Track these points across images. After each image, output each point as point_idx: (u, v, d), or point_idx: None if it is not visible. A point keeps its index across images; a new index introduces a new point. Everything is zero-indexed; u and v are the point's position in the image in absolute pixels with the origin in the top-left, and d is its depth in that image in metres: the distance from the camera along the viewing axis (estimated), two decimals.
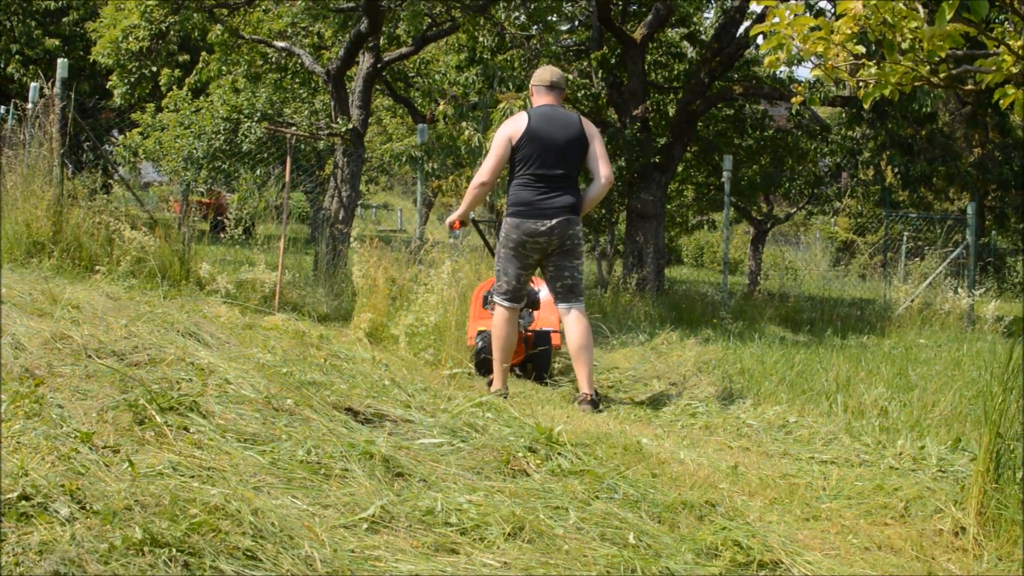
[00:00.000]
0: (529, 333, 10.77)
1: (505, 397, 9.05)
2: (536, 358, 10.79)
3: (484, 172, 9.67)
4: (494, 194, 15.14)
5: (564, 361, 11.15)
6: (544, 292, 10.65)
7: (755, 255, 29.63)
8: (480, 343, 10.61)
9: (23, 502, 4.26)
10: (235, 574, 4.07)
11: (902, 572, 5.17)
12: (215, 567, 4.07)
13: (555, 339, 10.84)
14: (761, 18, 19.14)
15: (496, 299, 9.76)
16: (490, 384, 9.68)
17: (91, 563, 3.89)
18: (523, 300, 9.85)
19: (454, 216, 10.03)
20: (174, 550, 4.07)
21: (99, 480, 4.65)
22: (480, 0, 18.01)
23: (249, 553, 4.22)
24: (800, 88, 13.03)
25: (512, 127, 9.59)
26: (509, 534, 4.92)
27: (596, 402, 9.29)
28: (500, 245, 9.71)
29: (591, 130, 9.68)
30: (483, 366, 10.44)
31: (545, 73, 9.88)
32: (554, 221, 9.41)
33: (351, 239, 15.53)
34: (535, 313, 10.90)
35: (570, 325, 9.52)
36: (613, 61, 22.54)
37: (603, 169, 9.57)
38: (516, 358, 10.51)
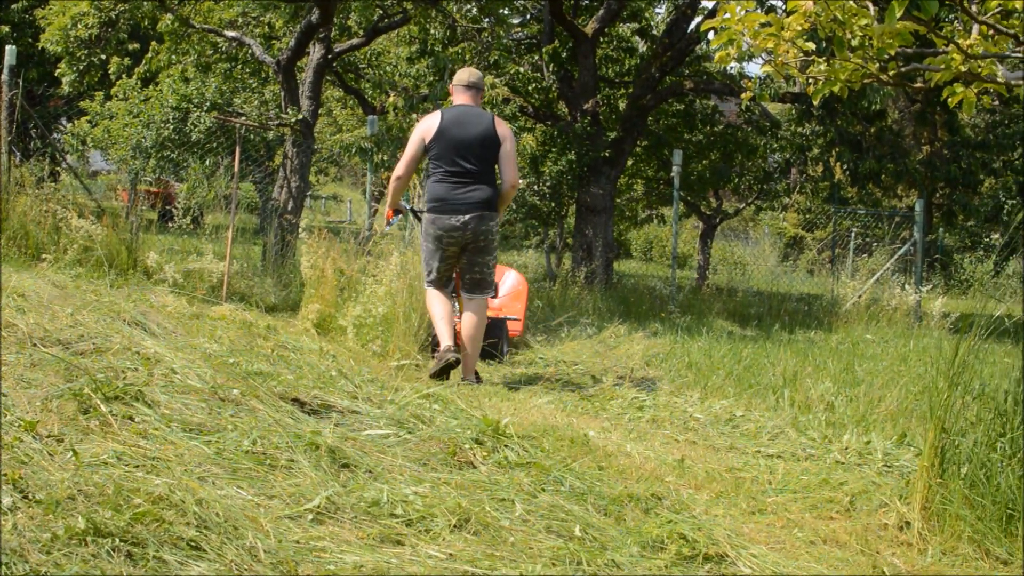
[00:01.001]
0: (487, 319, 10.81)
1: (457, 351, 9.79)
2: (490, 345, 10.99)
3: (400, 167, 10.20)
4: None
5: (520, 361, 11.14)
6: (509, 281, 10.92)
7: (704, 250, 29.68)
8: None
9: None
10: (179, 564, 4.05)
11: (847, 566, 5.20)
12: (159, 557, 4.05)
13: (512, 327, 10.99)
14: (712, 14, 19.16)
15: (425, 285, 10.26)
16: (435, 349, 10.34)
17: (33, 553, 3.86)
18: (449, 285, 10.25)
19: (387, 208, 10.62)
20: (117, 540, 4.05)
21: (42, 469, 4.62)
22: None
23: (193, 543, 4.20)
24: (750, 84, 13.07)
25: (425, 126, 10.07)
26: (455, 526, 4.92)
27: (457, 359, 9.81)
28: (422, 238, 10.22)
29: (503, 131, 10.08)
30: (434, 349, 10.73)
31: (463, 74, 10.32)
32: (467, 216, 9.85)
33: (300, 230, 15.48)
34: (492, 301, 11.04)
35: (468, 314, 10.04)
36: (564, 55, 22.54)
37: (509, 173, 10.02)
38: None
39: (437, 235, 9.91)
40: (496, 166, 10.08)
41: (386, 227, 10.85)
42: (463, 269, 10.10)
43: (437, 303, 10.03)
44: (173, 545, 4.16)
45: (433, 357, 10.49)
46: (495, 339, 11.10)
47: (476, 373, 10.12)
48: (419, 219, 10.76)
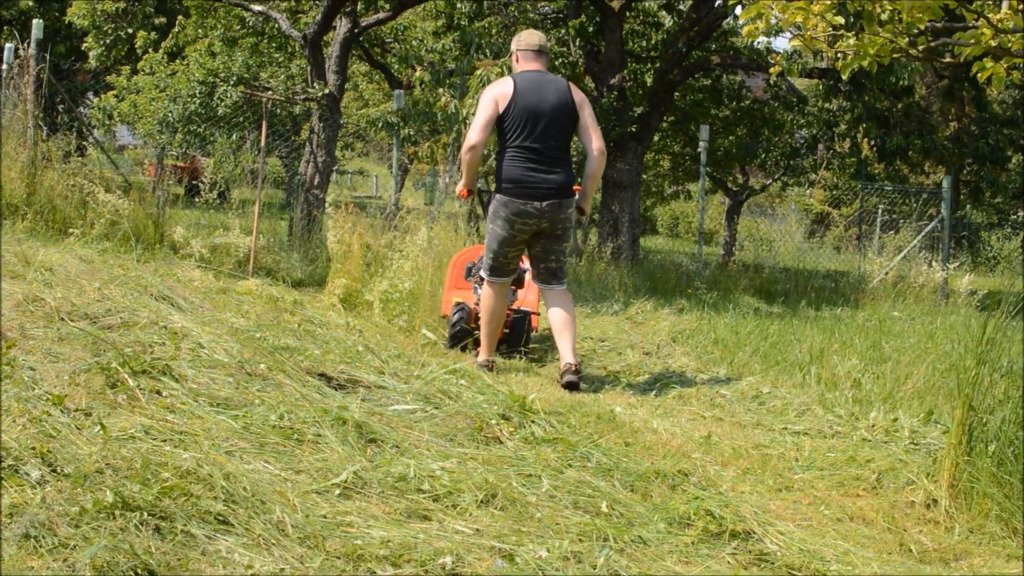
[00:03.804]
0: (508, 312, 10.21)
1: (490, 369, 8.98)
2: (511, 339, 10.30)
3: (472, 135, 9.11)
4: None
5: (543, 337, 11.12)
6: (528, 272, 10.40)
7: (730, 226, 29.63)
8: (457, 314, 10.31)
9: None
10: (206, 538, 4.06)
11: (874, 543, 5.19)
12: (186, 531, 4.06)
13: (533, 320, 10.65)
14: None
15: (483, 274, 9.44)
16: (477, 356, 9.43)
17: (62, 526, 3.87)
18: (511, 276, 9.45)
19: (460, 185, 9.53)
20: (145, 514, 4.06)
21: (71, 443, 4.63)
22: None
23: (221, 517, 4.21)
24: (778, 59, 12.98)
25: (499, 90, 9.11)
26: (482, 501, 4.92)
27: (579, 372, 8.92)
28: (489, 221, 9.35)
29: (580, 97, 9.21)
30: (457, 338, 10.26)
31: (532, 37, 9.36)
32: (545, 204, 9.00)
33: (326, 205, 15.50)
34: (518, 292, 10.46)
35: (555, 309, 9.22)
36: (591, 30, 22.45)
37: (595, 141, 9.13)
38: None
39: (509, 219, 9.05)
40: (570, 142, 9.29)
41: (458, 207, 10.22)
42: (536, 258, 9.34)
43: (495, 307, 9.35)
44: (201, 519, 4.17)
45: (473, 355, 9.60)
46: (520, 333, 10.40)
47: (577, 369, 8.95)
48: (483, 200, 10.40)
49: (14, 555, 3.69)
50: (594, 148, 9.12)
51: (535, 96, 9.00)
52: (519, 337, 10.35)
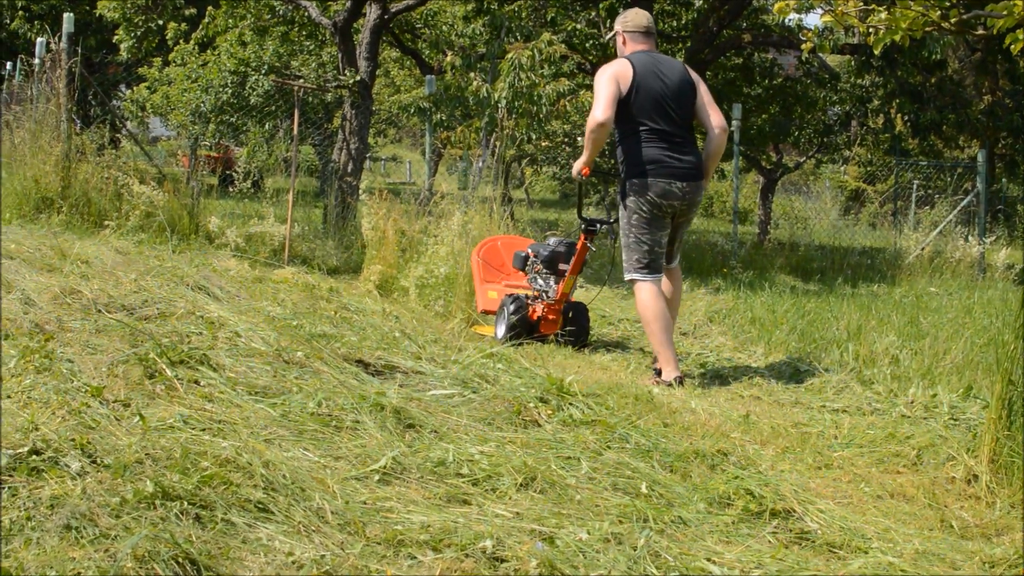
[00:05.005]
0: (569, 301, 10.00)
1: (681, 383, 8.26)
2: (577, 333, 9.91)
3: (600, 111, 8.43)
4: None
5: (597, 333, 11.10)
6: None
7: (765, 204, 29.55)
8: (514, 306, 9.89)
9: (34, 457, 4.26)
10: (247, 526, 4.07)
11: (915, 520, 5.18)
12: (227, 519, 4.07)
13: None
14: None
15: (635, 276, 8.62)
16: (659, 373, 8.55)
17: (102, 517, 3.89)
18: (661, 270, 8.72)
19: (581, 162, 8.86)
20: (186, 503, 4.07)
21: (110, 434, 4.65)
22: None
23: (261, 505, 4.23)
24: (810, 35, 12.94)
25: (618, 71, 8.59)
26: (521, 484, 4.92)
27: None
28: (630, 213, 8.64)
29: (695, 75, 8.90)
30: (515, 330, 9.75)
31: (639, 17, 8.91)
32: (686, 184, 8.56)
33: (360, 192, 15.52)
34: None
35: (674, 281, 8.94)
36: (621, 10, 22.38)
37: (715, 118, 8.78)
38: (552, 327, 9.90)
39: (655, 202, 8.48)
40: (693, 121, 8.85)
41: (577, 180, 9.54)
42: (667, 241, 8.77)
43: (659, 309, 8.51)
44: (241, 507, 4.18)
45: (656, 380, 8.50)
46: (585, 324, 10.10)
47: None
48: (592, 183, 9.59)
49: (56, 546, 3.70)
50: (715, 126, 8.76)
51: (657, 77, 8.61)
52: (585, 330, 10.09)
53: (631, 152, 8.62)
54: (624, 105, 8.52)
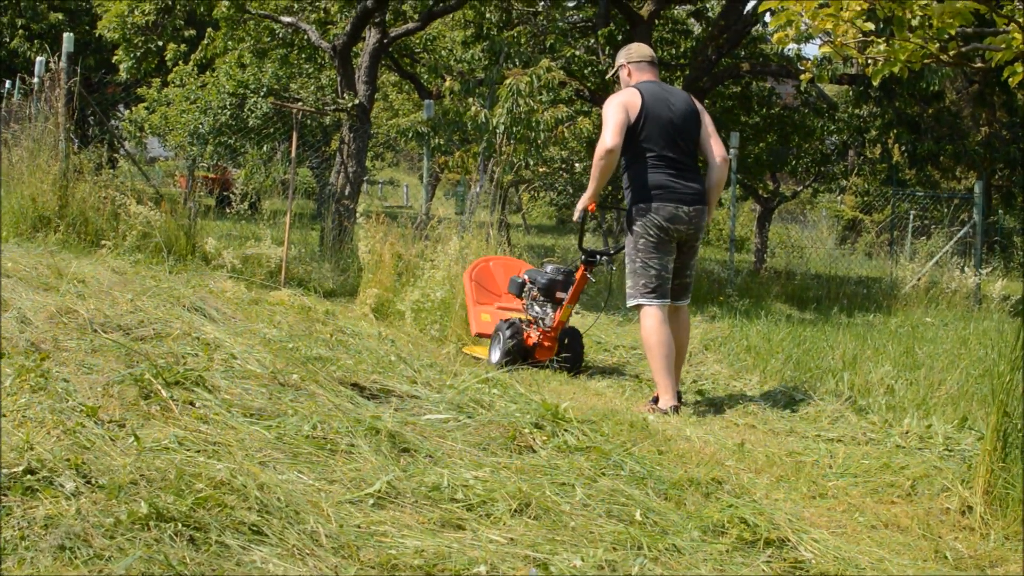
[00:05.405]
0: (552, 331, 9.99)
1: (677, 411, 8.33)
2: (572, 360, 10.02)
3: (609, 137, 8.52)
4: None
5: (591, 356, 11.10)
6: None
7: (761, 233, 29.60)
8: (509, 331, 9.93)
9: (29, 476, 4.26)
10: (241, 548, 4.07)
11: (909, 550, 5.18)
12: (221, 541, 4.07)
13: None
14: None
15: (641, 301, 8.64)
16: (655, 401, 8.52)
17: (96, 537, 3.89)
18: (668, 296, 8.67)
19: (588, 197, 8.95)
20: (180, 524, 4.07)
21: (104, 454, 4.65)
22: None
23: (255, 528, 4.22)
24: (808, 65, 12.97)
25: (627, 99, 8.71)
26: (515, 510, 4.92)
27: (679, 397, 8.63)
28: (636, 238, 8.69)
29: (699, 106, 8.97)
30: (510, 356, 9.82)
31: (643, 49, 9.14)
32: (692, 208, 8.63)
33: (357, 215, 15.54)
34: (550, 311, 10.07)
35: (680, 319, 8.87)
36: (620, 38, 22.46)
37: (718, 149, 8.85)
38: (547, 354, 9.97)
39: (662, 225, 8.54)
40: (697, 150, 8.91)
41: (576, 220, 9.47)
42: (673, 273, 8.76)
43: (664, 335, 8.51)
44: (235, 529, 4.18)
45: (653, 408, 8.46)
46: (580, 351, 10.16)
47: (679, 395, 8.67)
48: (595, 213, 9.69)
49: (49, 567, 3.70)
50: (717, 156, 8.83)
51: (665, 106, 8.71)
52: (580, 356, 10.14)
53: (638, 178, 8.70)
54: (632, 132, 8.62)
